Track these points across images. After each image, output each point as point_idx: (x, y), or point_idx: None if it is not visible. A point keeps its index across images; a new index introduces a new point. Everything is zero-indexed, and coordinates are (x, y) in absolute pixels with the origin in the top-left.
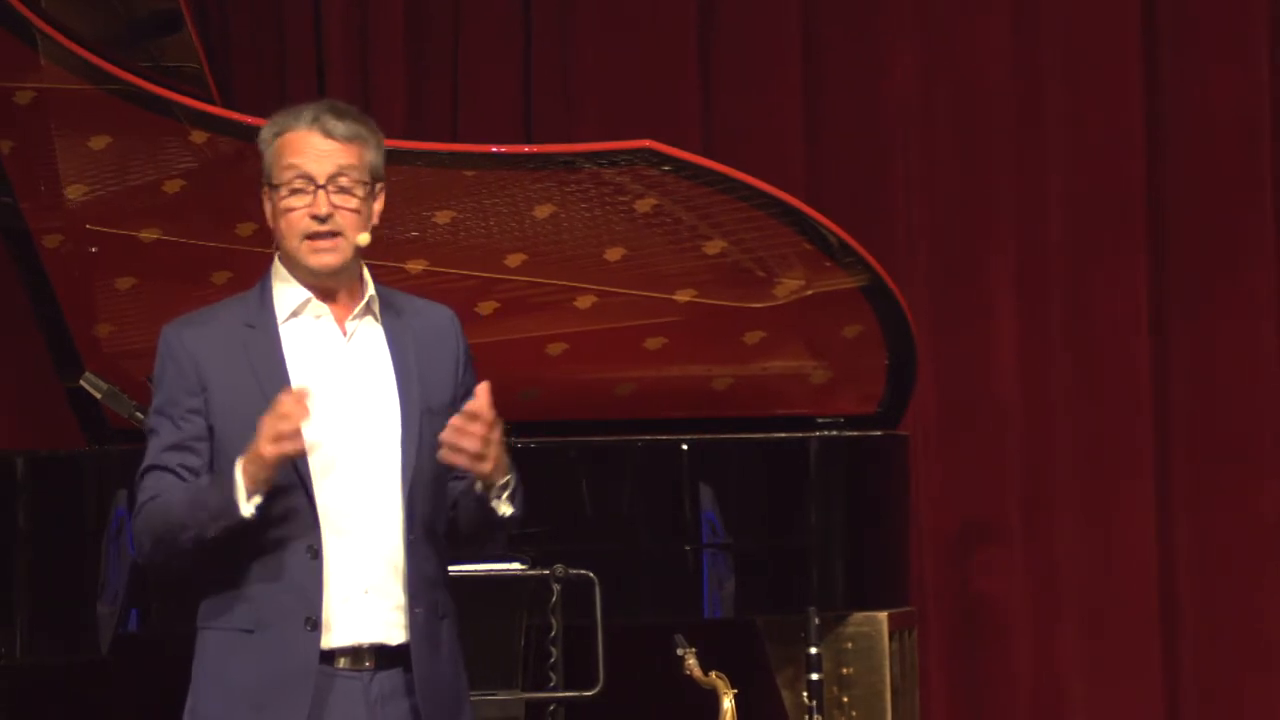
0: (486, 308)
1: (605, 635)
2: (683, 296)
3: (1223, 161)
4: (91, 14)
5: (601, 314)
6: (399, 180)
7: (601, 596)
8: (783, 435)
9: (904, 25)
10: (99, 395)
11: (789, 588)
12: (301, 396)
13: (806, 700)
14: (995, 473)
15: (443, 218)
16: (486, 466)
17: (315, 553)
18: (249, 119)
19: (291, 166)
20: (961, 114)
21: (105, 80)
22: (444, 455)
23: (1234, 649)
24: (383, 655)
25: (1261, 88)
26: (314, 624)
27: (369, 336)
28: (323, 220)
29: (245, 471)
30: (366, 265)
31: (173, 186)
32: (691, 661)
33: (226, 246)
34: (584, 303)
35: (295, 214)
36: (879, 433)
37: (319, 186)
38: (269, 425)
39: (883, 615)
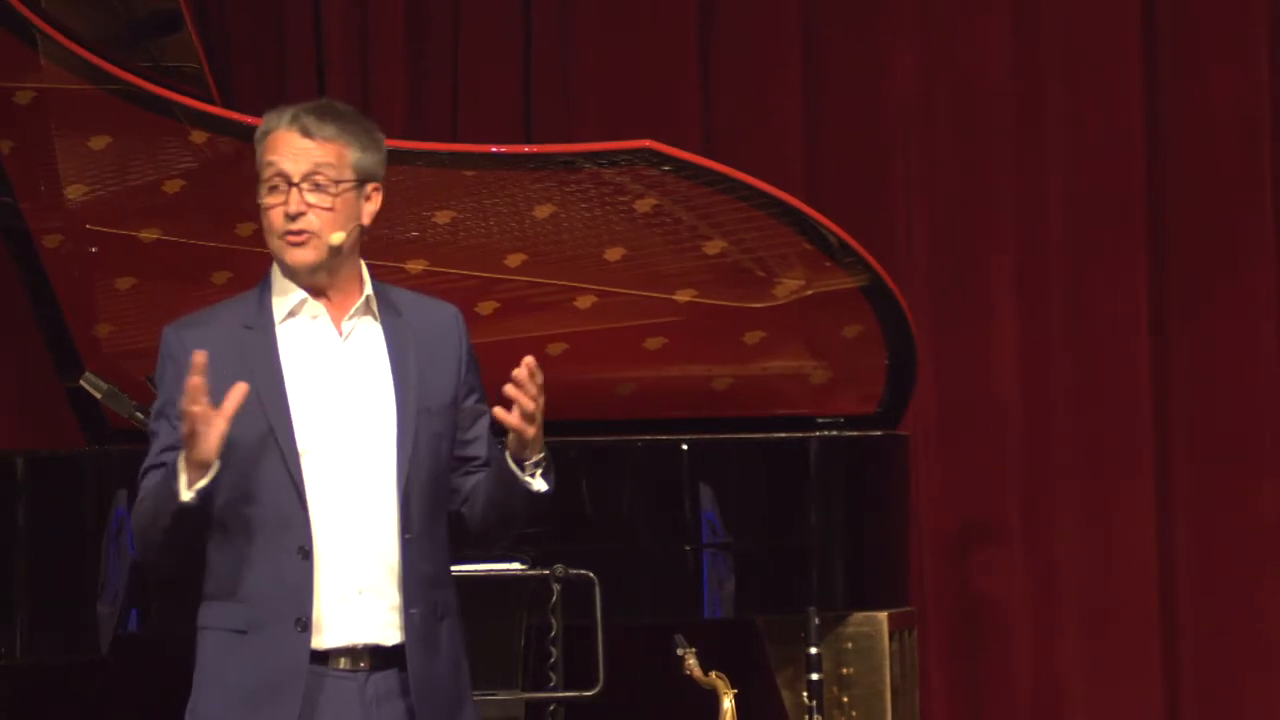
0: (486, 308)
1: (605, 635)
2: (683, 296)
3: (1223, 161)
4: (91, 14)
5: (601, 314)
6: (399, 180)
7: (601, 596)
8: (783, 435)
9: (904, 25)
10: (99, 395)
11: (789, 588)
12: (243, 390)
13: (806, 700)
14: (995, 473)
15: (443, 218)
16: (532, 430)
17: (306, 553)
18: (249, 119)
19: (269, 165)
20: (961, 114)
21: (105, 80)
22: (498, 412)
23: (1234, 649)
24: (378, 655)
25: (1261, 88)
26: (304, 625)
27: (366, 336)
28: (293, 218)
29: (183, 458)
30: (368, 265)
31: (173, 186)
32: (691, 661)
33: (226, 246)
34: (584, 303)
35: (273, 212)
36: (879, 433)
37: (292, 185)
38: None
39: (883, 615)
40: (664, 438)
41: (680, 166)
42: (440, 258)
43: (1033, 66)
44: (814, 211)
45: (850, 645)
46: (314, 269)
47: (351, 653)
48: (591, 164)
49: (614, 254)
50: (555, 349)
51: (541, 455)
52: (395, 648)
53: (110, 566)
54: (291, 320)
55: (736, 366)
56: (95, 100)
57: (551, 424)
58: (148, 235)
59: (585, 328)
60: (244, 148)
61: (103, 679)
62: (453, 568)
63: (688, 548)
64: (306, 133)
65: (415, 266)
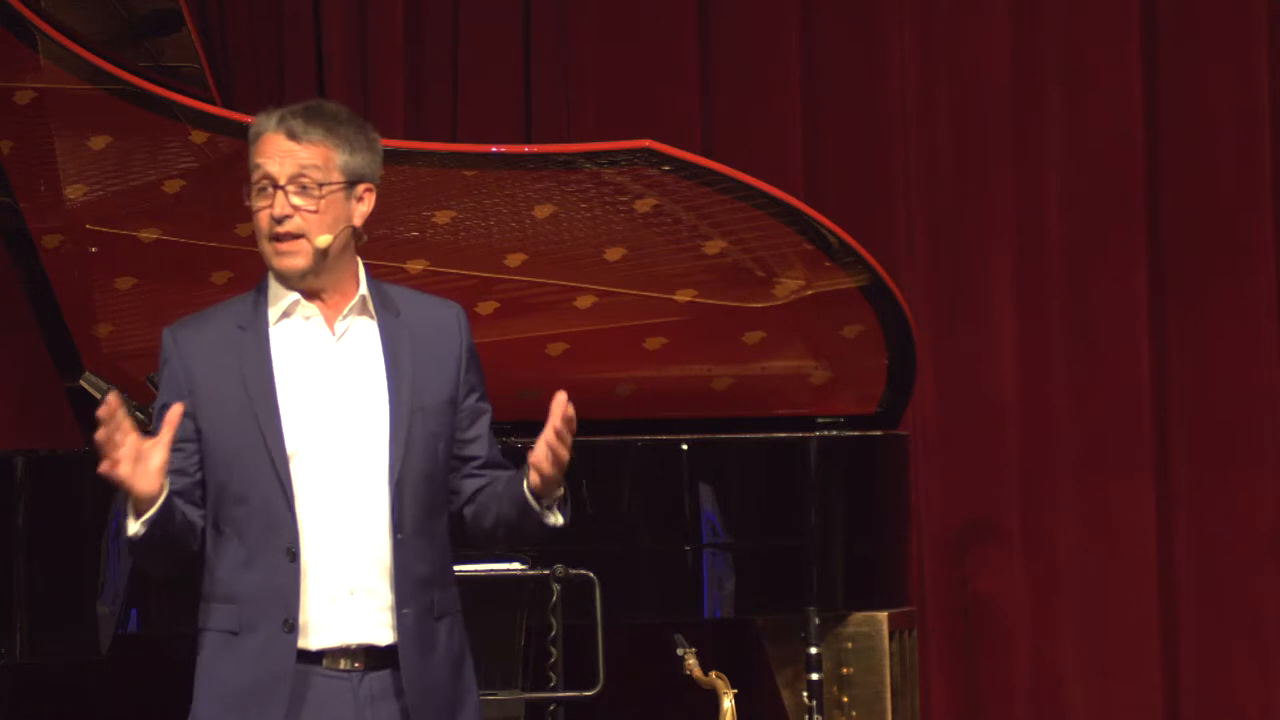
0: (486, 308)
1: (605, 635)
2: (683, 296)
3: (1222, 161)
4: (91, 14)
5: (601, 314)
6: (399, 180)
7: (601, 596)
8: (783, 435)
9: (904, 25)
10: (99, 395)
11: (789, 588)
12: (177, 413)
13: (806, 700)
14: (995, 473)
15: (443, 218)
16: (560, 477)
17: (293, 555)
18: (249, 119)
19: (257, 167)
20: (961, 114)
21: (105, 80)
22: (535, 464)
23: (1233, 649)
24: (372, 655)
25: (1261, 88)
26: (290, 626)
27: (361, 336)
28: (279, 221)
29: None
30: (368, 266)
31: (173, 186)
32: (691, 661)
33: (226, 246)
34: (584, 303)
35: (261, 214)
36: (879, 433)
37: (278, 187)
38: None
39: (883, 615)
40: (664, 438)
41: (680, 166)
42: (440, 258)
43: (1033, 66)
44: (814, 211)
45: (850, 645)
46: (303, 274)
47: (345, 653)
48: (591, 164)
49: (614, 254)
50: (555, 349)
51: (561, 492)
52: (389, 648)
53: (110, 566)
54: (285, 321)
55: (736, 366)
56: (95, 100)
57: None
58: (148, 235)
59: (585, 328)
60: (244, 148)
61: (103, 679)
62: (454, 568)
63: (688, 548)
64: (292, 135)
65: (415, 266)
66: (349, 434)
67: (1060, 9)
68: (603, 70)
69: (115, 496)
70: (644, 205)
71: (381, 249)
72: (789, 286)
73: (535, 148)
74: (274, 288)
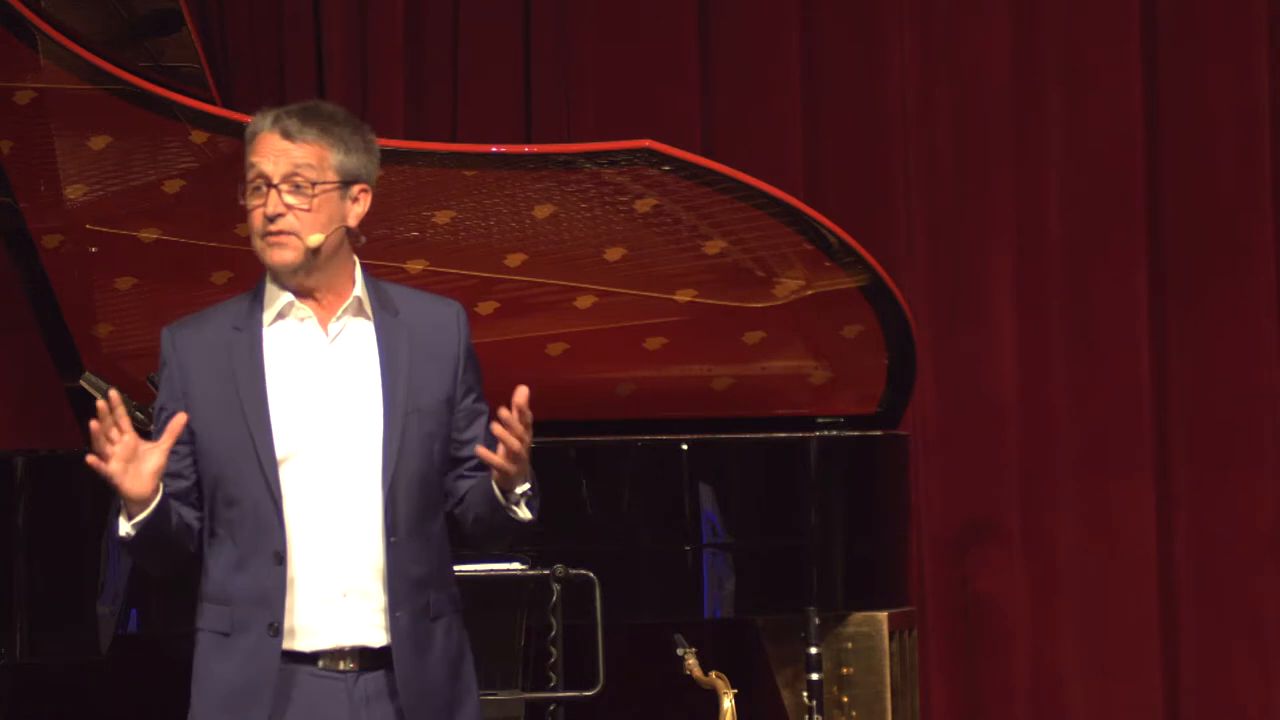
0: (486, 308)
1: (605, 635)
2: (683, 296)
3: (1223, 161)
4: (91, 14)
5: (601, 314)
6: (399, 180)
7: (601, 596)
8: (783, 435)
9: (904, 25)
10: (99, 395)
11: (789, 588)
12: (180, 422)
13: (806, 700)
14: (995, 473)
15: (443, 218)
16: (516, 468)
17: (280, 559)
18: (249, 119)
19: (252, 166)
20: (961, 113)
21: (105, 80)
22: (481, 452)
23: (1233, 649)
24: (366, 657)
25: (1261, 88)
26: (276, 630)
27: (355, 336)
28: (272, 220)
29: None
30: (368, 265)
31: (173, 186)
32: (691, 661)
33: (226, 246)
34: (584, 303)
35: (255, 213)
36: (879, 433)
37: (272, 186)
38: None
39: (883, 615)
40: (664, 438)
41: (680, 166)
42: (440, 258)
43: (1033, 66)
44: (814, 211)
45: (850, 645)
46: (294, 269)
47: (339, 654)
48: (591, 164)
49: (614, 254)
50: (555, 349)
51: (526, 487)
52: (383, 649)
53: (110, 566)
54: (280, 323)
55: (736, 366)
56: (95, 100)
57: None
58: (148, 235)
59: (585, 328)
60: (244, 148)
61: (103, 679)
62: (454, 568)
63: (688, 548)
64: (287, 135)
65: (415, 266)
66: (341, 436)
67: (1060, 9)
68: (603, 70)
69: (115, 497)
70: (644, 205)
71: (381, 249)
72: (789, 286)
73: (535, 148)
74: (270, 289)
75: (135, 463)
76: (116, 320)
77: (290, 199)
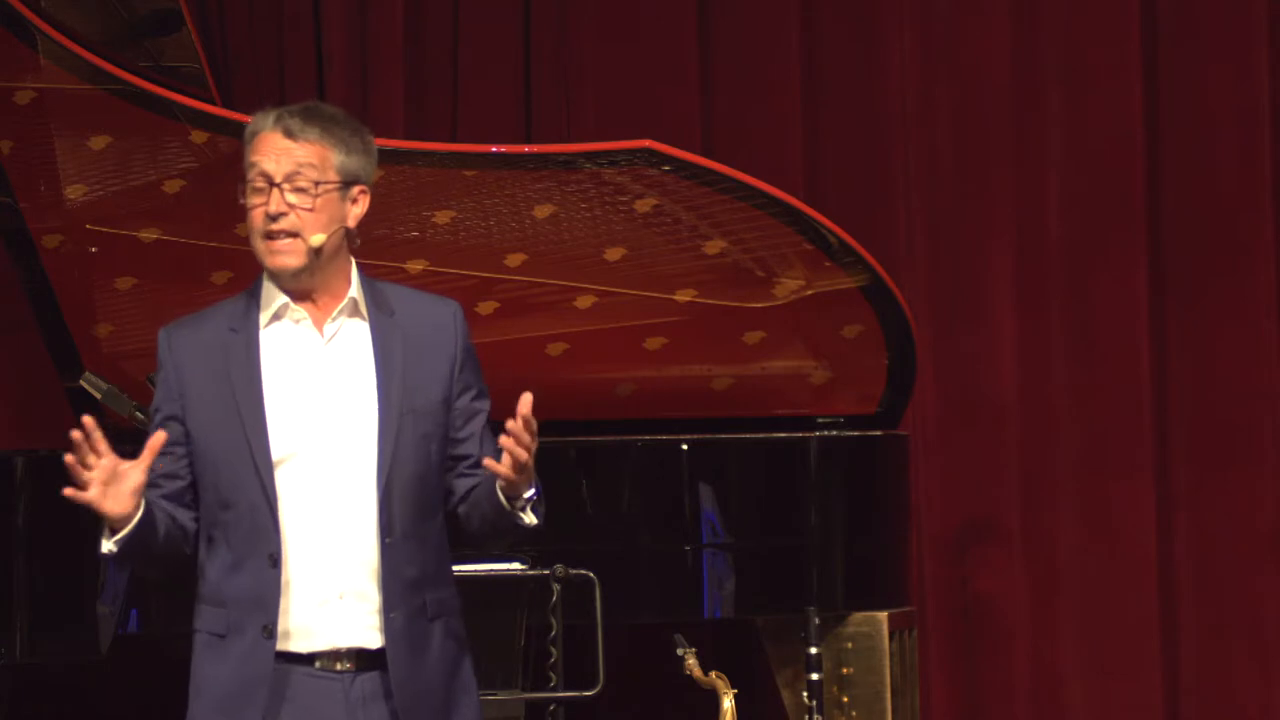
0: (486, 308)
1: (605, 635)
2: (683, 296)
3: (1223, 161)
4: (91, 14)
5: (601, 314)
6: (399, 180)
7: (601, 596)
8: (783, 435)
9: (904, 25)
10: (99, 395)
11: (789, 588)
12: (159, 440)
13: (806, 700)
14: (995, 473)
15: (443, 218)
16: (523, 477)
17: (275, 561)
18: (249, 119)
19: (253, 165)
20: (961, 114)
21: (105, 80)
22: (488, 463)
23: (1233, 649)
24: (362, 658)
25: (1261, 88)
26: (270, 632)
27: (351, 337)
28: (274, 219)
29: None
30: (368, 265)
31: (173, 186)
32: (691, 661)
33: (226, 246)
34: (584, 303)
35: (255, 212)
36: (879, 433)
37: (274, 185)
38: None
39: (883, 615)
40: (664, 438)
41: (680, 166)
42: (440, 258)
43: (1033, 66)
44: (814, 211)
45: (850, 645)
46: (296, 273)
47: (335, 655)
48: (591, 164)
49: (614, 254)
50: (555, 349)
51: (532, 492)
52: (380, 650)
53: (110, 567)
54: (276, 324)
55: (736, 366)
56: (95, 100)
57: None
58: (148, 235)
59: (585, 328)
60: (243, 147)
61: (103, 679)
62: (453, 568)
63: (688, 548)
64: (290, 134)
65: (415, 266)
66: (336, 438)
67: (1060, 9)
68: (603, 70)
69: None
70: (644, 205)
71: (381, 249)
72: (789, 286)
73: (535, 148)
74: (266, 289)
75: (115, 484)
76: (116, 320)
77: (292, 198)
